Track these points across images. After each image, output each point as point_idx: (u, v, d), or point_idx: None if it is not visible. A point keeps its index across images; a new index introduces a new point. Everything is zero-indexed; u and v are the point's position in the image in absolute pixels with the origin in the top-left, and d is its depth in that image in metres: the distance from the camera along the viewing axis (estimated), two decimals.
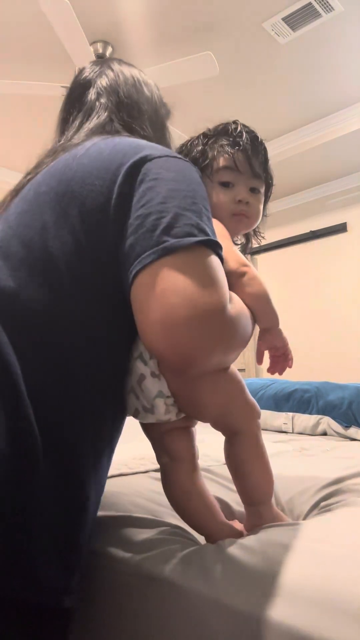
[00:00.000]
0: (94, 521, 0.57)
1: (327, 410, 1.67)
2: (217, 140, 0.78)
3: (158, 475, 0.90)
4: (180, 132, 3.09)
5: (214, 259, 0.52)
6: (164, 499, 0.72)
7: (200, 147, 0.79)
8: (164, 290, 0.48)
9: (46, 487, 0.48)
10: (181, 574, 0.57)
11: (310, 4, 2.18)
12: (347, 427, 1.58)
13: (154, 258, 0.49)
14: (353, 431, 1.57)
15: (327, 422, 1.65)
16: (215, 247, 0.53)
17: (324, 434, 1.66)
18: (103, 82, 0.76)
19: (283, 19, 2.28)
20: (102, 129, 0.70)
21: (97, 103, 0.74)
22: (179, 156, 0.61)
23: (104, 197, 0.55)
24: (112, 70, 0.78)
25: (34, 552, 0.47)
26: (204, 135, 0.82)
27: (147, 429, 0.68)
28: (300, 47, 2.51)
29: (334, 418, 1.63)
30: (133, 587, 0.61)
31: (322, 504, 0.76)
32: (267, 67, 2.67)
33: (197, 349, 0.48)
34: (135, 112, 0.75)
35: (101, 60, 0.83)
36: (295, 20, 2.29)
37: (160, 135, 0.78)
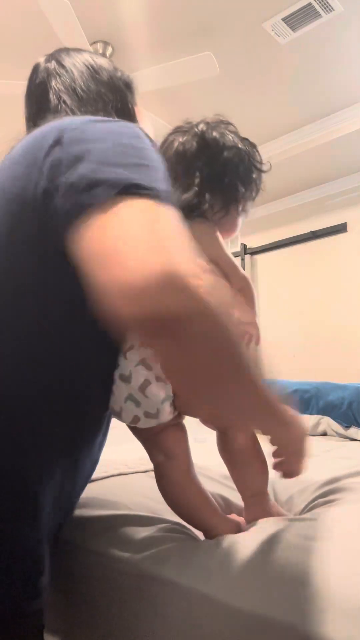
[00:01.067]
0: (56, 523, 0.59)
1: (327, 410, 1.67)
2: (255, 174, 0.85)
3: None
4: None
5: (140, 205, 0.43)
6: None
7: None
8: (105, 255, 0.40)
9: None
10: (180, 573, 0.57)
11: (310, 4, 2.19)
12: (347, 427, 1.58)
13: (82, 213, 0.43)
14: (353, 431, 1.57)
15: (327, 422, 1.65)
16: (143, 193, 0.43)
17: (324, 434, 1.67)
18: (58, 83, 0.73)
19: (283, 19, 2.29)
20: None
21: (59, 106, 0.70)
22: (110, 119, 0.55)
23: (26, 181, 0.50)
24: (64, 67, 0.75)
25: None
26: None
27: (139, 431, 0.68)
28: (300, 47, 2.51)
29: (334, 418, 1.64)
30: (133, 587, 0.61)
31: (319, 500, 0.77)
32: (267, 68, 2.67)
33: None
34: (100, 105, 0.71)
35: (50, 55, 0.79)
36: (295, 20, 2.29)
37: (131, 120, 0.74)
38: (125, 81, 0.79)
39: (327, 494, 0.78)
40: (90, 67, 0.76)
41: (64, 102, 0.70)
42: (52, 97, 0.71)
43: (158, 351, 0.43)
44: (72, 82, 0.72)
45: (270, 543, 0.57)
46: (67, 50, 0.79)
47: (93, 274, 0.41)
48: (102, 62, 0.78)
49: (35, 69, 0.77)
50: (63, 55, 0.77)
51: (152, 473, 0.95)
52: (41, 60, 0.78)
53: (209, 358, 0.40)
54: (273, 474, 0.71)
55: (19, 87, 2.58)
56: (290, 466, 0.63)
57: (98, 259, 0.40)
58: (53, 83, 0.73)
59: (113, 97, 0.74)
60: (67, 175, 0.46)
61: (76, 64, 0.76)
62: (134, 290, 0.37)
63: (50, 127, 0.54)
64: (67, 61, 0.76)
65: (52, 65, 0.76)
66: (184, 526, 0.69)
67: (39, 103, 0.73)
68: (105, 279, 0.39)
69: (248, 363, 0.44)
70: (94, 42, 2.44)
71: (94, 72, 0.75)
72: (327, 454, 1.23)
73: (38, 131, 0.55)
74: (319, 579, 0.48)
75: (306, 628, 0.44)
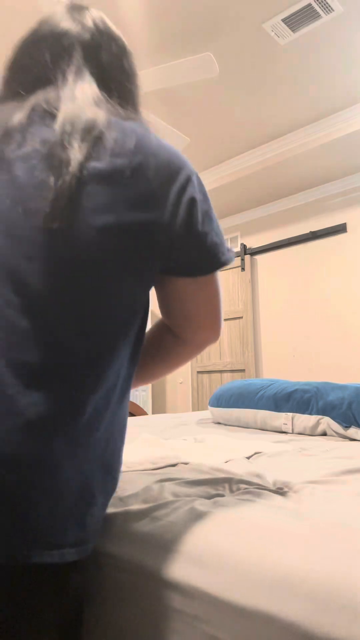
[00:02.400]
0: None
1: (327, 410, 1.67)
2: None
3: (156, 472, 0.90)
4: (180, 132, 3.11)
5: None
6: (161, 489, 0.72)
7: None
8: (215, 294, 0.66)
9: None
10: (182, 572, 0.57)
11: (310, 5, 2.19)
12: (346, 427, 1.58)
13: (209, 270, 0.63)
14: (353, 431, 1.57)
15: (327, 422, 1.65)
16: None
17: (324, 434, 1.66)
18: (103, 61, 0.65)
19: (283, 20, 2.29)
20: (105, 102, 0.61)
21: (85, 65, 0.64)
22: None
23: (154, 214, 0.56)
24: (110, 39, 0.68)
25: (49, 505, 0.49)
26: None
27: None
28: (300, 48, 2.51)
29: (333, 418, 1.63)
30: (136, 585, 0.61)
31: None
32: (267, 68, 2.68)
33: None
34: (128, 86, 0.67)
35: (78, 6, 0.68)
36: (295, 21, 2.29)
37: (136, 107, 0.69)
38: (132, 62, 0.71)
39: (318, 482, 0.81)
40: (125, 49, 0.68)
41: (88, 62, 0.63)
42: (76, 48, 0.63)
43: (189, 354, 0.73)
44: (121, 69, 0.66)
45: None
46: (98, 15, 0.69)
47: (190, 312, 0.66)
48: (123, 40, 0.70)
49: (54, 15, 0.66)
50: (100, 23, 0.68)
51: (151, 472, 0.96)
52: (62, 9, 0.67)
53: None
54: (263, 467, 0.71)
55: None
56: None
57: (197, 306, 0.65)
58: (83, 36, 0.65)
59: (134, 83, 0.69)
60: (202, 229, 0.60)
61: (117, 40, 0.68)
62: (212, 337, 0.70)
63: (171, 154, 0.59)
64: (109, 33, 0.68)
65: (83, 18, 0.67)
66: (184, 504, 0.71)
67: (54, 47, 0.63)
68: (201, 321, 0.67)
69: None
70: None
71: (124, 49, 0.69)
72: (327, 453, 1.23)
73: (156, 145, 0.57)
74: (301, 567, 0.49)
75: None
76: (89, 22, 0.67)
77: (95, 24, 0.68)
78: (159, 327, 0.73)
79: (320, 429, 1.67)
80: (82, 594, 0.60)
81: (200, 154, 3.65)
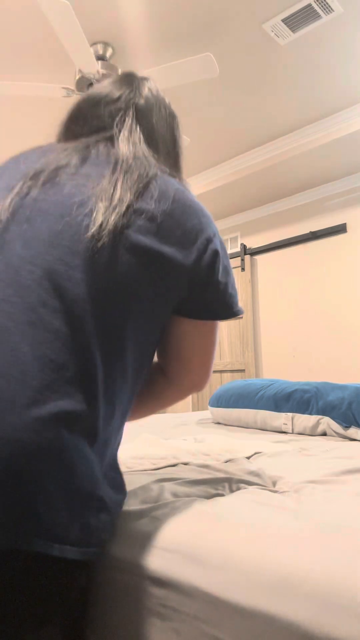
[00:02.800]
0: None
1: (327, 410, 1.67)
2: None
3: (156, 472, 0.90)
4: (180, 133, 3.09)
5: None
6: (160, 488, 0.72)
7: None
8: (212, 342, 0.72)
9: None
10: (182, 572, 0.57)
11: (309, 5, 2.19)
12: (346, 427, 1.58)
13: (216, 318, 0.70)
14: (353, 431, 1.57)
15: (327, 422, 1.65)
16: None
17: (324, 434, 1.67)
18: (152, 123, 0.76)
19: (283, 20, 2.29)
20: (152, 157, 0.72)
21: (137, 125, 0.74)
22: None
23: (182, 254, 0.64)
24: (152, 92, 0.78)
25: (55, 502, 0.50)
26: None
27: None
28: (300, 48, 2.51)
29: (333, 418, 1.63)
30: (136, 585, 0.61)
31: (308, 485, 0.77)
32: (267, 68, 2.68)
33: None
34: (172, 148, 0.78)
35: (132, 76, 0.79)
36: (295, 21, 2.29)
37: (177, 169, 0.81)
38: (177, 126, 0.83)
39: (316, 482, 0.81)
40: (173, 116, 0.80)
41: (138, 126, 0.74)
42: (129, 113, 0.74)
43: (174, 396, 0.76)
44: (155, 120, 0.76)
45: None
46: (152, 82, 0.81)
47: (186, 354, 0.71)
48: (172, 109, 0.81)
49: (115, 84, 0.77)
50: (155, 90, 0.80)
51: (150, 472, 0.96)
52: (115, 79, 0.78)
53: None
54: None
55: (19, 87, 2.58)
56: None
57: (193, 350, 0.71)
58: (138, 101, 0.76)
59: (171, 144, 0.79)
60: (221, 279, 0.68)
61: (160, 99, 0.79)
62: (199, 383, 0.74)
63: (203, 211, 0.68)
64: (154, 91, 0.79)
65: (137, 86, 0.78)
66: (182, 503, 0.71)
67: (106, 108, 0.74)
68: (194, 365, 0.72)
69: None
70: (94, 43, 2.45)
71: (171, 117, 0.80)
72: (327, 453, 1.23)
73: (188, 202, 0.67)
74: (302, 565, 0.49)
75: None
76: (145, 89, 0.78)
77: (150, 90, 0.78)
78: (153, 366, 0.79)
79: (320, 429, 1.67)
80: (87, 596, 0.61)
81: (201, 154, 3.65)
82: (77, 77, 2.45)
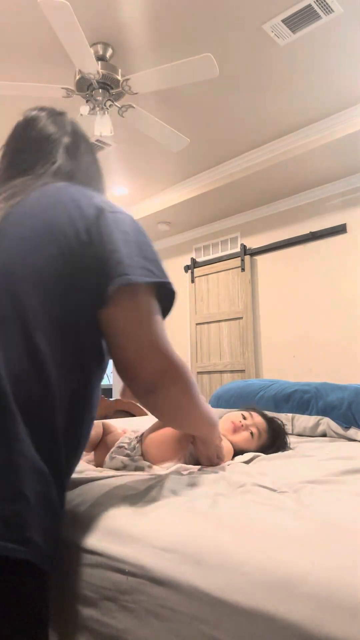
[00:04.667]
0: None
1: (327, 411, 1.67)
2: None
3: (155, 473, 0.90)
4: (180, 132, 3.11)
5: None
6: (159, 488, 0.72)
7: None
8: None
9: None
10: (182, 572, 0.57)
11: (309, 5, 2.19)
12: (346, 427, 1.58)
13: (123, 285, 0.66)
14: (353, 432, 1.57)
15: (326, 422, 1.65)
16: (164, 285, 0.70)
17: (324, 434, 1.66)
18: (61, 145, 0.83)
19: (283, 21, 2.29)
20: (59, 175, 0.80)
21: (54, 152, 0.82)
22: (125, 212, 0.75)
23: (75, 236, 0.67)
24: (67, 132, 0.86)
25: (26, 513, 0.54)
26: None
27: None
28: (300, 48, 2.51)
29: (333, 419, 1.63)
30: (135, 586, 0.61)
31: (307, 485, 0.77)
32: (267, 69, 2.68)
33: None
34: (80, 166, 0.85)
35: (51, 113, 0.88)
36: (294, 22, 2.30)
37: (96, 181, 0.88)
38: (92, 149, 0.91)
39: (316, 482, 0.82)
40: (84, 138, 0.88)
41: (58, 150, 0.82)
42: (52, 142, 0.82)
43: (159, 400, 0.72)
44: (74, 148, 0.84)
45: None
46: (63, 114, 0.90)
47: (121, 340, 0.69)
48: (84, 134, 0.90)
49: (37, 118, 0.86)
50: (63, 119, 0.88)
51: (149, 473, 0.96)
52: (42, 114, 0.87)
53: (187, 401, 0.74)
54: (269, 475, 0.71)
55: (19, 87, 2.57)
56: (210, 457, 0.99)
57: (127, 333, 0.68)
58: (62, 142, 0.83)
59: (89, 161, 0.88)
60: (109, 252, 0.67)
61: (77, 130, 0.88)
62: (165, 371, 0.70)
63: (90, 198, 0.72)
64: (69, 126, 0.87)
65: (60, 121, 0.86)
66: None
67: (34, 141, 0.83)
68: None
69: (201, 402, 0.78)
70: (94, 44, 2.45)
71: (83, 141, 0.88)
72: (327, 454, 1.23)
73: (77, 194, 0.72)
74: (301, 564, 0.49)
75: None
76: (68, 127, 0.86)
77: (72, 128, 0.87)
78: None
79: (320, 429, 1.67)
80: (44, 602, 0.60)
81: (200, 154, 3.65)
82: (77, 77, 2.45)
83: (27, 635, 0.56)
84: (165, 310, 0.73)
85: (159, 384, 0.68)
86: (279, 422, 1.36)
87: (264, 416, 1.33)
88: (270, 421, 1.32)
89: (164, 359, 0.68)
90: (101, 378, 0.73)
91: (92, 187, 0.81)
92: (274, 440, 1.29)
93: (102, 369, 0.72)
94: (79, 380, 0.66)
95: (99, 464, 1.11)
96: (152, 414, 0.76)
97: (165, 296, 0.72)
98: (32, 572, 0.56)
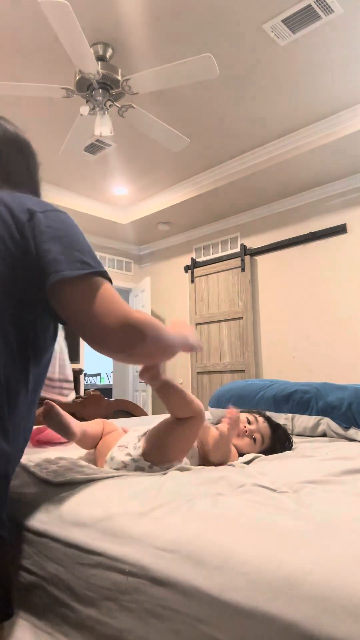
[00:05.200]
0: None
1: (327, 411, 1.66)
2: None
3: (156, 472, 0.90)
4: (180, 133, 3.10)
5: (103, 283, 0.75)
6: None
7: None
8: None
9: None
10: (183, 573, 0.57)
11: (309, 6, 2.19)
12: (346, 428, 1.58)
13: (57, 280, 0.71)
14: (353, 432, 1.56)
15: (326, 423, 1.65)
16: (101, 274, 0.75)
17: (324, 434, 1.66)
18: None
19: (283, 21, 2.29)
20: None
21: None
22: (55, 209, 0.78)
23: (12, 241, 0.72)
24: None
25: None
26: None
27: None
28: (300, 48, 2.51)
29: (333, 419, 1.63)
30: (136, 586, 0.61)
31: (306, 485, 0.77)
32: (267, 69, 2.68)
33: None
34: (13, 168, 0.87)
35: None
36: (295, 22, 2.30)
37: (32, 185, 0.90)
38: (30, 151, 0.91)
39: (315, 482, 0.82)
40: (15, 139, 0.89)
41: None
42: None
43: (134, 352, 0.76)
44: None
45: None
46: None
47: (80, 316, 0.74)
48: (22, 136, 0.91)
49: None
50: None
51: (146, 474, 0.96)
52: None
53: (157, 347, 0.79)
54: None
55: (19, 87, 2.57)
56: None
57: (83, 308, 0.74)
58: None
59: (24, 166, 0.88)
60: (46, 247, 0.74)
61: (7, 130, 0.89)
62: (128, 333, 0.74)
63: (22, 201, 0.76)
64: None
65: None
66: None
67: None
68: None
69: (169, 338, 0.81)
70: (95, 44, 2.45)
71: (18, 143, 0.89)
72: (327, 454, 1.23)
73: (9, 199, 0.76)
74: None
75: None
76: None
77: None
78: None
79: (320, 429, 1.67)
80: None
81: (200, 154, 3.65)
82: (77, 77, 2.45)
83: None
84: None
85: (128, 343, 0.73)
86: (284, 429, 1.37)
87: (270, 422, 1.34)
88: (275, 429, 1.34)
89: (122, 324, 0.72)
90: (41, 372, 0.79)
91: (24, 189, 0.85)
92: (275, 449, 1.31)
93: (39, 361, 0.77)
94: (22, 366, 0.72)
95: (99, 463, 1.11)
96: (131, 364, 0.82)
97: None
98: None
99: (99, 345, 0.74)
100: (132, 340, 0.73)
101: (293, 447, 1.38)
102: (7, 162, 0.87)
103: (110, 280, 0.77)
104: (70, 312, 0.73)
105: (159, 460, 0.98)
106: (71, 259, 0.72)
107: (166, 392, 0.99)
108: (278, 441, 1.32)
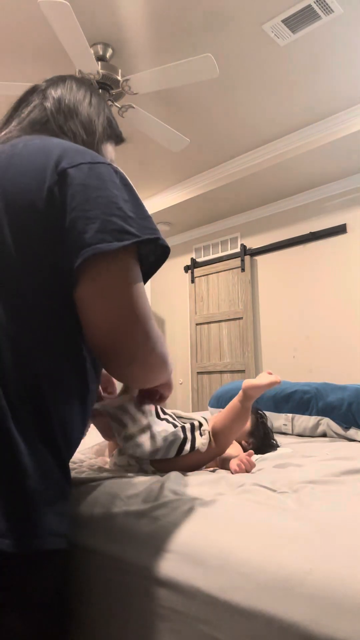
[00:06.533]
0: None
1: (327, 411, 1.67)
2: None
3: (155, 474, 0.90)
4: (180, 132, 3.10)
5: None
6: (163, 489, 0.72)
7: None
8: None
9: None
10: (183, 573, 0.57)
11: (309, 6, 2.19)
12: (346, 428, 1.58)
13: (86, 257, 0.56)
14: (353, 432, 1.57)
15: (326, 423, 1.65)
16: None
17: (324, 435, 1.66)
18: (52, 91, 0.84)
19: (283, 21, 2.29)
20: (36, 126, 0.75)
21: (39, 103, 0.80)
22: (101, 160, 0.64)
23: (33, 195, 0.59)
24: (64, 83, 0.87)
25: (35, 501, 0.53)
26: None
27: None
28: (300, 49, 2.51)
29: (333, 419, 1.63)
30: (137, 586, 0.61)
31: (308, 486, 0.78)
32: (267, 69, 2.68)
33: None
34: (74, 119, 0.80)
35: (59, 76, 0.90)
36: (294, 22, 2.29)
37: (91, 141, 0.80)
38: (109, 120, 0.88)
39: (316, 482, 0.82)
40: (80, 98, 0.88)
41: (45, 103, 0.82)
42: (38, 95, 0.83)
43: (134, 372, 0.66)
44: (63, 96, 0.85)
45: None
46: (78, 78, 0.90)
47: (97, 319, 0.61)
48: (94, 99, 0.89)
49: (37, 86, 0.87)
50: (69, 79, 0.91)
51: (151, 474, 0.96)
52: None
53: (157, 369, 0.67)
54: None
55: (19, 88, 2.58)
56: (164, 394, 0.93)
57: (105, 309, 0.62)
58: (49, 90, 0.84)
59: (87, 121, 0.83)
60: (73, 215, 0.60)
61: (74, 87, 0.90)
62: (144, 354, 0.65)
63: (56, 147, 0.64)
64: (68, 83, 0.91)
65: (56, 82, 0.89)
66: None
67: (24, 99, 0.85)
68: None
69: (167, 363, 0.70)
70: (94, 44, 2.45)
71: (83, 99, 0.88)
72: (327, 454, 1.23)
73: (41, 145, 0.65)
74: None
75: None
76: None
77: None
78: None
79: (320, 429, 1.67)
80: (58, 593, 0.58)
81: (201, 154, 3.65)
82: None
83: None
84: (155, 266, 0.65)
85: (136, 357, 0.62)
86: (265, 430, 1.42)
87: (256, 422, 1.40)
88: (252, 432, 1.38)
89: (144, 335, 0.61)
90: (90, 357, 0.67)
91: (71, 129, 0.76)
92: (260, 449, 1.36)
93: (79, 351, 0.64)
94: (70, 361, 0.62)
95: (109, 454, 1.10)
96: (123, 383, 0.75)
97: (152, 250, 0.63)
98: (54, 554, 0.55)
99: (112, 354, 0.62)
100: (145, 353, 0.62)
101: (292, 447, 1.38)
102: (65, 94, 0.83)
103: (162, 248, 0.63)
104: (91, 310, 0.59)
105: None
106: (107, 228, 0.57)
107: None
108: (260, 438, 1.38)
